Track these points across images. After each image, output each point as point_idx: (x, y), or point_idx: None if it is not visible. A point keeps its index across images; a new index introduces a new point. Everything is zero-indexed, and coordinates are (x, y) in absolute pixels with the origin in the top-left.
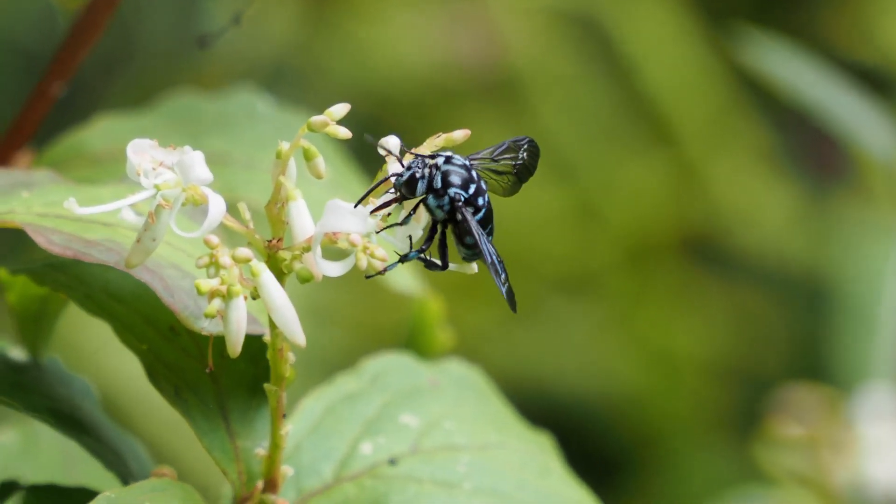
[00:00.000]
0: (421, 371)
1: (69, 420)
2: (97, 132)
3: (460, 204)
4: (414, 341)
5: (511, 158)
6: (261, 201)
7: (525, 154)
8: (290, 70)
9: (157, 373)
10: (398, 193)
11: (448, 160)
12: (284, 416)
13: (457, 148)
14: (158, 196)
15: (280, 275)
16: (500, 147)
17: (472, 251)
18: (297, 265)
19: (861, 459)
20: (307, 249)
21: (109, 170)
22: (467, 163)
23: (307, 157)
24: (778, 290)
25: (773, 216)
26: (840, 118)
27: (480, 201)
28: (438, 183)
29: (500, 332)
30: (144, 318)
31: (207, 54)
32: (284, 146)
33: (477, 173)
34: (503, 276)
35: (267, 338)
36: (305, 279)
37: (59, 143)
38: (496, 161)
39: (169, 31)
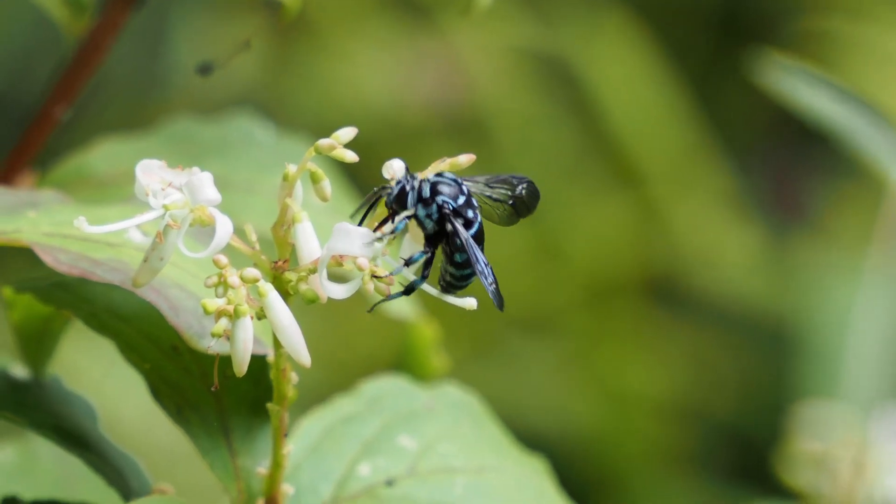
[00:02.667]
0: (418, 394)
1: (72, 437)
2: (99, 155)
3: (448, 212)
4: (408, 365)
5: (508, 190)
6: (261, 225)
7: (524, 191)
8: (253, 106)
9: (160, 391)
10: (390, 210)
11: (439, 173)
12: (286, 435)
13: None
14: (167, 216)
15: (286, 296)
16: (497, 177)
17: (460, 272)
18: (302, 286)
19: (880, 477)
20: (313, 271)
21: (112, 192)
22: (459, 179)
23: (314, 179)
24: (739, 332)
25: (735, 258)
26: (865, 139)
27: (471, 214)
28: (427, 192)
29: (461, 369)
30: (147, 337)
31: (170, 89)
32: (292, 168)
33: (468, 190)
34: (491, 278)
35: (270, 358)
36: (311, 300)
37: (62, 165)
38: (491, 188)
39: (132, 67)
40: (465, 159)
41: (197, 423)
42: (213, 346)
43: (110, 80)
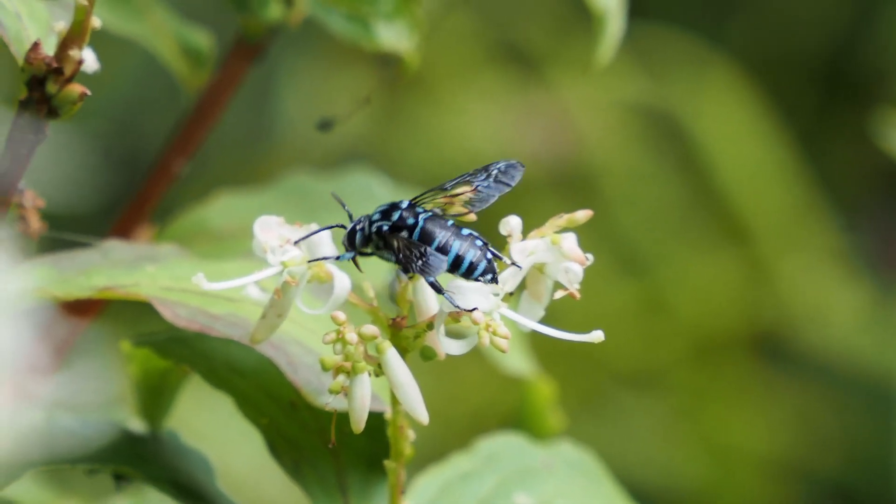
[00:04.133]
0: (534, 452)
1: (189, 491)
2: (217, 209)
3: (386, 230)
4: (524, 422)
5: (471, 179)
6: (378, 282)
7: (501, 171)
8: (362, 158)
9: (278, 447)
10: (348, 249)
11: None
12: (403, 492)
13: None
14: (285, 273)
15: (403, 352)
16: (458, 177)
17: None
18: (420, 343)
19: None
20: (431, 327)
21: (229, 245)
22: (399, 203)
23: None
24: (845, 389)
25: (842, 315)
26: None
27: (411, 221)
28: (367, 229)
29: (566, 422)
30: (265, 393)
31: (279, 143)
32: None
33: (409, 202)
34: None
35: (388, 415)
36: (429, 357)
37: (181, 219)
38: (445, 189)
39: (242, 121)
40: (583, 216)
41: (314, 480)
42: (331, 403)
43: (225, 134)
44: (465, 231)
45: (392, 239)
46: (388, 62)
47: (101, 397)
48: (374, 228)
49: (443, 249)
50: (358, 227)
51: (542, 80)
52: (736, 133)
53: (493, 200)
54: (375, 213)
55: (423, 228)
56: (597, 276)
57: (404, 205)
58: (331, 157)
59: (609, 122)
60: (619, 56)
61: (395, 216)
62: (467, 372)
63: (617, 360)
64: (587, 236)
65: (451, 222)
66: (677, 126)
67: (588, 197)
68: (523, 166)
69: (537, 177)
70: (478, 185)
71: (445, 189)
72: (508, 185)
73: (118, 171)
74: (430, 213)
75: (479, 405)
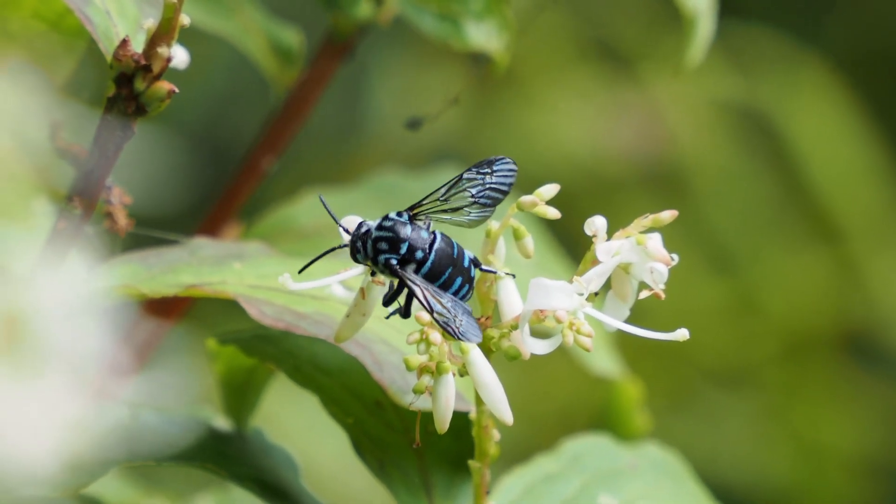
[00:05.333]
0: (619, 453)
1: (273, 490)
2: (304, 207)
3: (396, 267)
4: (610, 423)
5: (468, 187)
6: None
7: (494, 177)
8: (452, 154)
9: (363, 446)
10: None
11: (379, 225)
12: (487, 493)
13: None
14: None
15: (488, 353)
16: (453, 182)
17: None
18: (504, 343)
19: None
20: (515, 327)
21: (316, 243)
22: (400, 218)
23: (516, 236)
24: None
25: None
26: None
27: (420, 255)
28: (370, 251)
29: (656, 421)
30: (351, 392)
31: (369, 137)
32: (494, 225)
33: (412, 226)
34: (459, 316)
35: (472, 414)
36: (513, 357)
37: (268, 217)
38: (446, 201)
39: (333, 118)
40: (668, 216)
41: (398, 479)
42: (416, 403)
43: (312, 131)
44: (467, 260)
45: (406, 279)
46: (478, 61)
47: (186, 395)
48: (381, 259)
49: (446, 285)
50: (358, 247)
51: (634, 78)
52: (828, 131)
53: (490, 213)
54: (379, 240)
55: (432, 263)
56: (687, 273)
57: (408, 230)
58: (420, 155)
59: (700, 120)
60: (711, 54)
61: (405, 248)
62: (553, 370)
63: (706, 358)
64: (678, 234)
65: (455, 250)
66: (769, 124)
67: (678, 195)
68: (515, 165)
69: (628, 174)
70: (476, 199)
71: (444, 200)
72: (504, 191)
73: (206, 168)
74: (438, 245)
75: (565, 403)
